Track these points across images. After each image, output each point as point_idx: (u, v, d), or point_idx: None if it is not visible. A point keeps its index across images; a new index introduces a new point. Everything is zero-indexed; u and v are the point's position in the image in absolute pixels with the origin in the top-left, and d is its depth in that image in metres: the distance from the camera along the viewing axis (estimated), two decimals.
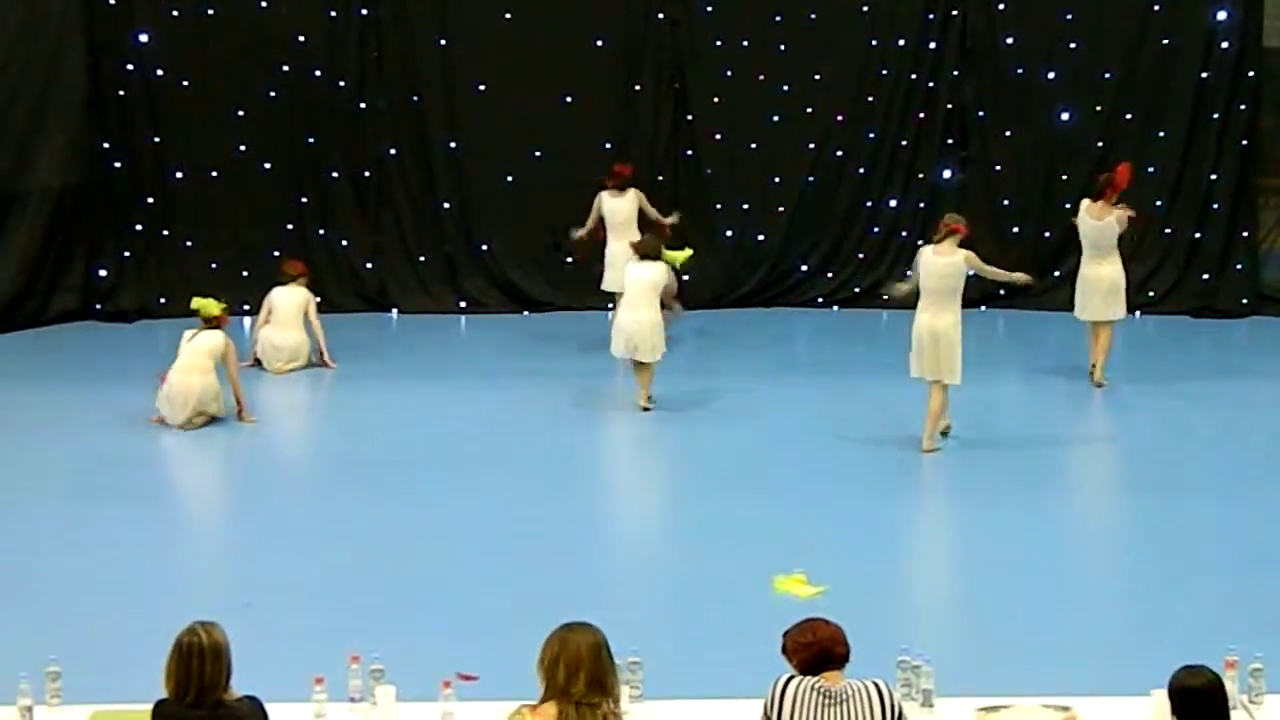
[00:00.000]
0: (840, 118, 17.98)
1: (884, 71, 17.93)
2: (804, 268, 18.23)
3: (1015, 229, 17.89)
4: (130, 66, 17.38)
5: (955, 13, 17.80)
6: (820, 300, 18.18)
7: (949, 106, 17.98)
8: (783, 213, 18.11)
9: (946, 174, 18.06)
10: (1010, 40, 17.75)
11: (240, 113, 17.53)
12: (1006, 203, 17.93)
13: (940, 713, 6.70)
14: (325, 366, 15.51)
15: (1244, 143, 17.56)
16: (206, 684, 5.65)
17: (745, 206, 18.12)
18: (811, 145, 17.99)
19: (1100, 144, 17.43)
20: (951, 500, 12.25)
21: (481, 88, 17.75)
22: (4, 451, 12.93)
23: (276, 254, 16.98)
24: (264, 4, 17.41)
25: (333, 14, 17.61)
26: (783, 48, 17.83)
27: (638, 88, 17.94)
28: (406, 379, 15.30)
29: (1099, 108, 17.68)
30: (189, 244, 17.71)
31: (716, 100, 18.00)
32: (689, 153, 18.09)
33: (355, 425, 14.01)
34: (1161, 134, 17.62)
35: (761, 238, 18.15)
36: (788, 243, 18.14)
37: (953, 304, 12.53)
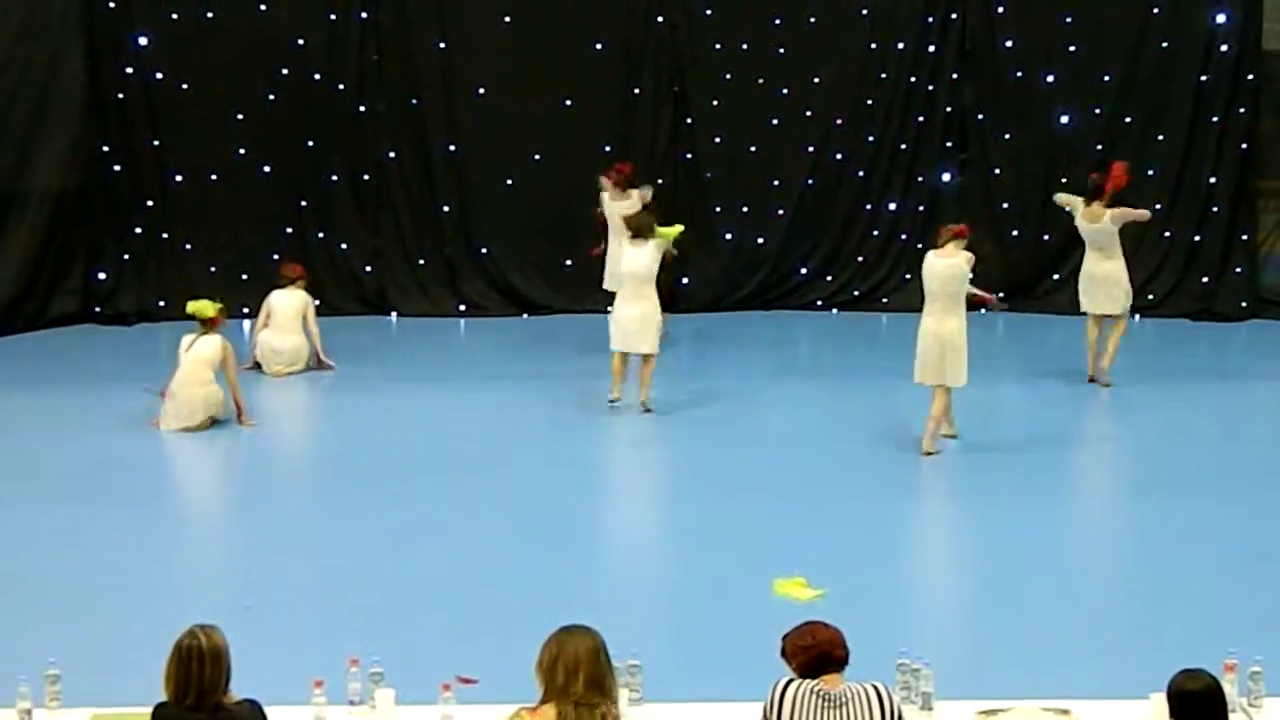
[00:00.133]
0: (839, 121, 18.00)
1: (883, 74, 17.94)
2: (803, 270, 18.24)
3: (1014, 232, 17.91)
4: (130, 69, 17.39)
5: (954, 16, 17.83)
6: (820, 303, 18.19)
7: (948, 109, 18.00)
8: (782, 215, 18.13)
9: (946, 177, 18.07)
10: (1009, 43, 17.76)
11: (240, 116, 17.54)
12: (1006, 205, 17.94)
13: (940, 716, 6.69)
14: (323, 369, 15.50)
15: (1243, 146, 17.58)
16: (206, 687, 5.65)
17: (745, 209, 18.14)
18: (811, 148, 18.00)
19: (1100, 147, 17.42)
20: (951, 503, 12.25)
21: (481, 91, 17.76)
22: (3, 453, 12.92)
23: (276, 257, 16.97)
24: (264, 7, 17.42)
25: (332, 17, 17.62)
26: (782, 51, 17.85)
27: (637, 91, 17.95)
28: (406, 382, 15.30)
29: (1098, 110, 17.70)
30: (188, 247, 17.72)
31: (716, 103, 18.01)
32: (688, 156, 18.10)
33: (355, 428, 14.00)
34: (1161, 137, 17.64)
35: (761, 240, 18.16)
36: (787, 245, 18.15)
37: (957, 308, 12.53)
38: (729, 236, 18.15)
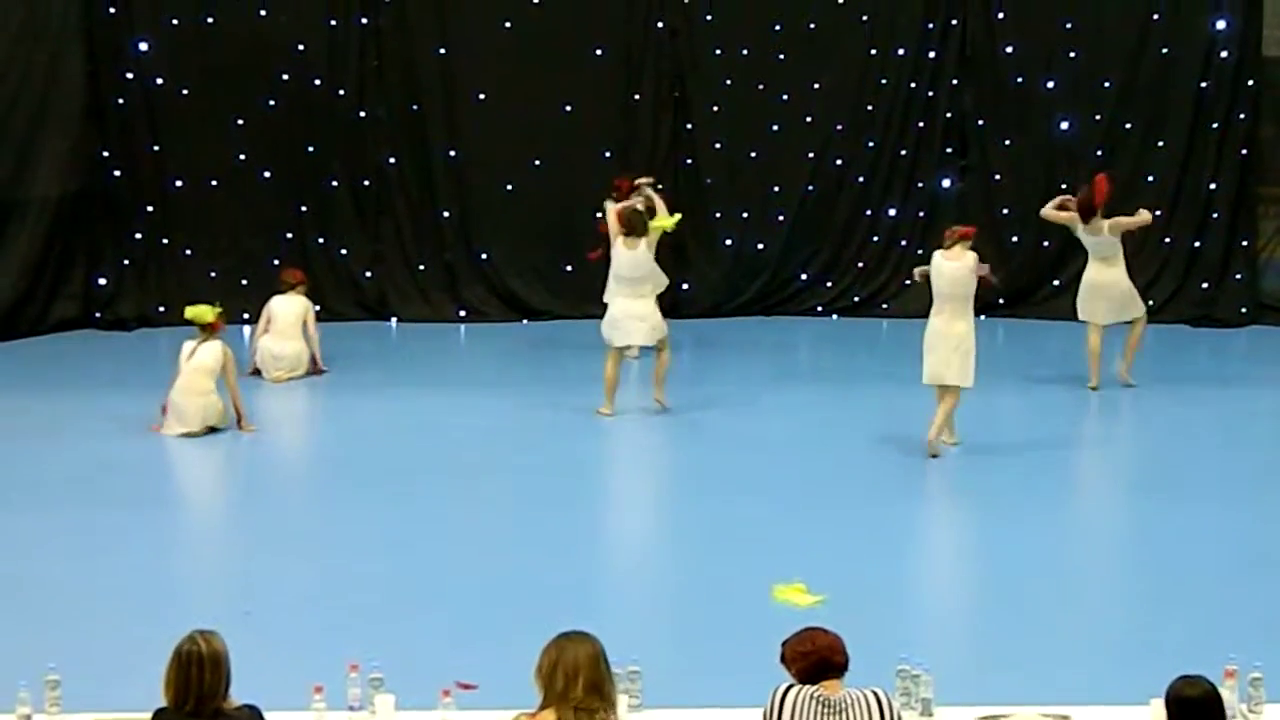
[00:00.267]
0: (840, 127, 18.00)
1: (883, 80, 17.94)
2: (804, 276, 18.24)
3: (1015, 238, 17.91)
4: (130, 74, 17.40)
5: (955, 22, 17.82)
6: (820, 309, 18.19)
7: (948, 115, 18.00)
8: (782, 221, 18.13)
9: (946, 183, 18.07)
10: (1010, 49, 17.76)
11: (240, 121, 17.55)
12: (1006, 211, 17.93)
13: None
14: (317, 373, 15.49)
15: (1243, 152, 17.57)
16: (206, 692, 5.65)
17: (745, 215, 18.13)
18: (811, 154, 18.01)
19: (1100, 153, 17.43)
20: (951, 508, 12.25)
21: (481, 96, 17.77)
22: (3, 458, 12.92)
23: (276, 262, 16.98)
24: (264, 12, 17.43)
25: (333, 22, 17.63)
26: (782, 56, 17.85)
27: (637, 96, 17.95)
28: (406, 387, 15.29)
29: (1098, 117, 17.70)
30: (188, 252, 17.72)
31: (716, 109, 18.01)
32: (689, 162, 18.10)
33: (355, 434, 14.00)
34: (1161, 143, 17.64)
35: (761, 246, 18.15)
36: (787, 251, 18.15)
37: (965, 311, 12.55)
38: (729, 242, 18.15)
